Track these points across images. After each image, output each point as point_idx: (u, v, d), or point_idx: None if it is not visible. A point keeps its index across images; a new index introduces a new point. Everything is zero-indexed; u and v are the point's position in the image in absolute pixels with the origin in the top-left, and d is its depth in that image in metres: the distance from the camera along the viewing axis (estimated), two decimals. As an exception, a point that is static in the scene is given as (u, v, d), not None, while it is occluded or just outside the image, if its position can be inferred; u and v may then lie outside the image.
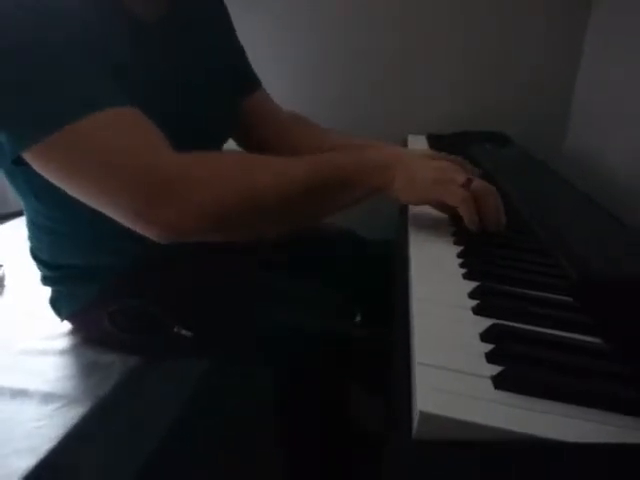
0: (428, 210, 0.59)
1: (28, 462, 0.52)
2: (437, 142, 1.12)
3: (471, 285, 0.42)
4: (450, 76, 1.26)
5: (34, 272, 0.72)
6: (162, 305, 0.64)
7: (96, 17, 0.54)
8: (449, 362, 0.31)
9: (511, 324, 0.37)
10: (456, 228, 0.56)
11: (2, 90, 0.48)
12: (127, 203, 0.49)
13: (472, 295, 0.41)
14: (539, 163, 0.96)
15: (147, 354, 0.69)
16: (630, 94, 0.95)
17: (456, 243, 0.52)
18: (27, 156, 0.49)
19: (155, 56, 0.61)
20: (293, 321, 0.63)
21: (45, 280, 0.70)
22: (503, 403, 0.28)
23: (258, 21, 1.24)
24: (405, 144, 1.10)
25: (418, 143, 1.11)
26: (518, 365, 0.32)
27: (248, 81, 0.81)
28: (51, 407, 0.59)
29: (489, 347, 0.33)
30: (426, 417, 0.27)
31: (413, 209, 0.61)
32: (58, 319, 0.72)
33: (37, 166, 0.50)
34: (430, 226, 0.57)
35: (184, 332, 0.63)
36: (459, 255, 0.49)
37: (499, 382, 0.30)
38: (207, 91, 0.67)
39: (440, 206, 0.57)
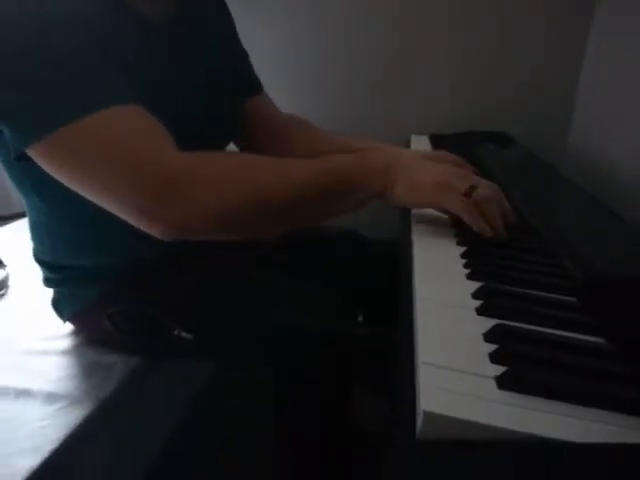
0: (431, 210, 0.59)
1: (32, 462, 0.52)
2: (440, 142, 1.12)
3: (474, 285, 0.42)
4: (453, 76, 1.26)
5: (37, 273, 0.72)
6: (162, 307, 0.65)
7: (103, 16, 0.54)
8: (453, 362, 0.31)
9: (514, 324, 0.37)
10: (458, 229, 0.56)
11: (8, 88, 0.48)
12: (132, 200, 0.49)
13: (475, 295, 0.41)
14: (542, 163, 0.96)
15: (148, 356, 0.69)
16: (633, 93, 0.94)
17: (459, 243, 0.52)
18: (32, 153, 0.49)
19: (161, 56, 0.61)
20: (293, 321, 0.63)
21: (47, 281, 0.70)
22: (506, 403, 0.28)
23: (258, 21, 1.24)
24: (408, 144, 1.10)
25: (421, 143, 1.11)
26: (521, 365, 0.32)
27: (250, 84, 0.81)
28: (54, 407, 0.60)
29: (492, 347, 0.33)
30: (430, 417, 0.27)
31: (416, 209, 0.61)
32: (61, 320, 0.72)
33: (42, 163, 0.50)
34: (433, 226, 0.57)
35: (184, 334, 0.63)
36: (462, 255, 0.49)
37: (502, 382, 0.30)
38: (209, 92, 0.67)
39: (443, 210, 0.57)
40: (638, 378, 0.31)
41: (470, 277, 0.44)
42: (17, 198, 0.66)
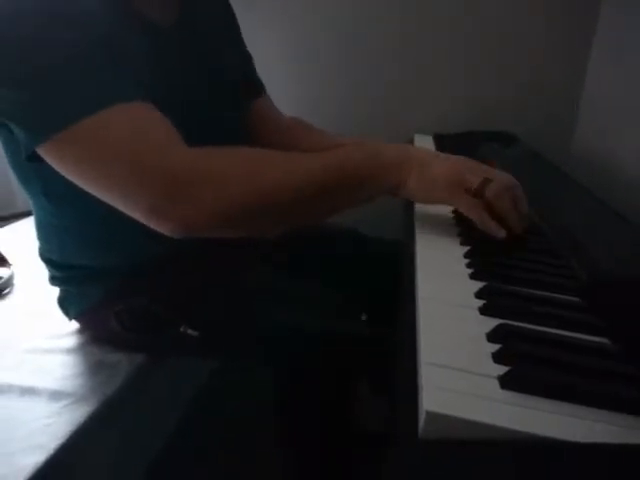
0: (434, 209, 0.59)
1: (36, 459, 0.53)
2: (443, 142, 1.11)
3: (477, 285, 0.42)
4: (455, 76, 1.26)
5: (42, 272, 0.72)
6: (168, 305, 0.65)
7: (109, 19, 0.55)
8: (455, 362, 0.31)
9: (517, 324, 0.37)
10: (461, 228, 0.56)
11: (17, 88, 0.49)
12: (141, 199, 0.49)
13: (479, 295, 0.41)
14: (546, 162, 0.96)
15: (153, 353, 0.70)
16: (639, 92, 0.94)
17: (463, 243, 0.52)
18: (42, 152, 0.50)
19: (167, 60, 0.61)
20: (294, 321, 0.63)
21: (53, 280, 0.71)
22: (509, 403, 0.28)
23: (259, 21, 1.24)
24: (412, 143, 1.10)
25: (424, 143, 1.11)
26: (524, 365, 0.32)
27: (253, 86, 0.81)
28: (59, 405, 0.60)
29: (495, 347, 0.33)
30: (432, 416, 0.27)
31: (419, 208, 0.61)
32: (65, 318, 0.73)
33: (52, 162, 0.51)
34: (436, 226, 0.57)
35: (190, 332, 0.64)
36: (466, 255, 0.49)
37: (505, 382, 0.30)
38: (215, 95, 0.68)
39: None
40: (642, 378, 0.31)
41: (473, 277, 0.44)
42: (22, 197, 0.67)
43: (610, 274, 0.44)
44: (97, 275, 0.66)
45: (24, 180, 0.62)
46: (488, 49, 1.23)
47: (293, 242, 0.74)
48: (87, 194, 0.52)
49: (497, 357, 0.32)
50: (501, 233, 0.51)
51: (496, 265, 0.47)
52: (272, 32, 1.28)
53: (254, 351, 0.66)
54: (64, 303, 0.71)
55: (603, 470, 0.25)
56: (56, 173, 0.52)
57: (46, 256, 0.69)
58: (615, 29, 1.09)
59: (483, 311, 0.38)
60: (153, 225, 0.51)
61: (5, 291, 0.86)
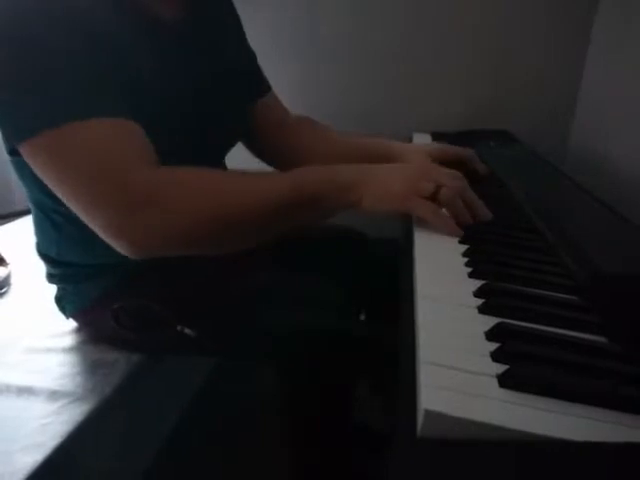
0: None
1: (35, 458, 0.53)
2: (442, 140, 1.11)
3: (476, 284, 0.42)
4: (454, 74, 1.26)
5: (40, 270, 0.72)
6: (165, 303, 0.65)
7: (114, 17, 0.55)
8: (454, 360, 0.31)
9: (516, 323, 0.37)
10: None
11: (3, 87, 0.50)
12: (98, 216, 0.51)
13: (477, 294, 0.41)
14: (544, 161, 0.96)
15: (151, 352, 0.70)
16: (636, 92, 0.94)
17: (461, 242, 0.52)
18: (20, 149, 0.51)
19: (171, 55, 0.62)
20: (293, 320, 0.63)
21: (51, 277, 0.70)
22: (508, 402, 0.28)
23: (259, 17, 1.24)
24: (410, 142, 1.10)
25: (423, 141, 1.11)
26: (523, 364, 0.32)
27: (259, 85, 0.82)
28: (57, 404, 0.60)
29: (494, 346, 0.33)
30: (431, 415, 0.27)
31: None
32: (63, 317, 0.72)
33: (28, 162, 0.52)
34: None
35: (187, 331, 0.64)
36: (464, 254, 0.49)
37: (504, 381, 0.30)
38: (217, 93, 0.68)
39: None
40: (640, 377, 0.31)
41: (472, 275, 0.44)
42: (20, 196, 0.67)
43: (609, 273, 0.44)
44: (94, 273, 0.66)
45: (22, 175, 0.62)
46: (486, 49, 1.23)
47: (293, 242, 0.74)
48: None
49: (496, 356, 0.32)
50: (458, 233, 0.53)
51: (495, 264, 0.47)
52: (272, 30, 1.28)
53: (252, 350, 0.66)
54: (61, 301, 0.71)
55: (602, 469, 0.25)
56: None
57: (43, 252, 0.69)
58: (612, 28, 1.10)
59: (482, 310, 0.38)
60: (110, 242, 0.52)
61: (2, 290, 0.85)
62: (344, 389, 0.67)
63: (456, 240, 0.53)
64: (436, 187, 0.52)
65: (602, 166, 1.03)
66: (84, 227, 0.64)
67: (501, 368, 0.31)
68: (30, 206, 0.67)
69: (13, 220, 1.13)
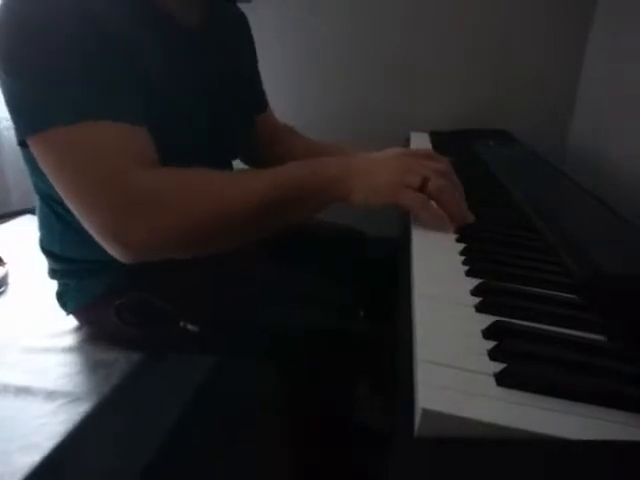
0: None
1: (33, 459, 0.53)
2: (439, 140, 1.11)
3: (473, 282, 0.42)
4: (453, 74, 1.26)
5: (38, 270, 0.72)
6: (168, 299, 0.65)
7: (127, 17, 0.56)
8: (451, 359, 0.31)
9: (513, 321, 0.37)
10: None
11: (18, 78, 0.51)
12: (95, 216, 0.51)
13: (474, 292, 0.41)
14: (543, 160, 0.96)
15: (152, 349, 0.70)
16: (633, 91, 0.94)
17: (459, 240, 0.52)
18: (29, 143, 0.52)
19: (181, 57, 0.63)
20: (294, 318, 0.63)
21: (53, 273, 0.70)
22: (505, 400, 0.28)
23: (257, 21, 1.24)
24: (407, 142, 1.10)
25: (420, 140, 1.11)
26: (521, 362, 0.31)
27: (260, 102, 0.86)
28: (55, 404, 0.60)
29: (491, 344, 0.33)
30: (428, 414, 0.27)
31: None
32: (61, 317, 0.72)
33: (35, 154, 0.53)
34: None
35: (190, 327, 0.64)
36: (462, 252, 0.49)
37: (502, 379, 0.30)
38: (228, 95, 0.69)
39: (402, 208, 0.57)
40: (638, 375, 0.31)
41: (469, 274, 0.44)
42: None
43: (607, 271, 0.45)
44: (97, 269, 0.66)
45: (32, 167, 0.62)
46: (485, 48, 1.23)
47: (292, 240, 0.75)
48: None
49: (493, 354, 0.32)
50: (449, 227, 0.53)
51: (492, 262, 0.47)
52: (270, 30, 1.28)
53: (252, 349, 0.66)
54: (62, 297, 0.71)
55: (600, 468, 0.25)
56: None
57: (47, 248, 0.69)
58: (610, 28, 1.10)
59: (479, 308, 0.38)
60: (105, 246, 0.52)
61: (0, 290, 0.85)
62: (344, 388, 0.67)
63: (453, 238, 0.53)
64: (423, 180, 0.52)
65: (601, 165, 1.03)
66: None
67: (498, 366, 0.31)
68: (36, 200, 0.67)
69: (10, 220, 1.13)
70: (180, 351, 0.73)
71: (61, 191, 0.53)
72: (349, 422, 0.68)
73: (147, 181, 0.52)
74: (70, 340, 0.71)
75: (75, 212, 0.53)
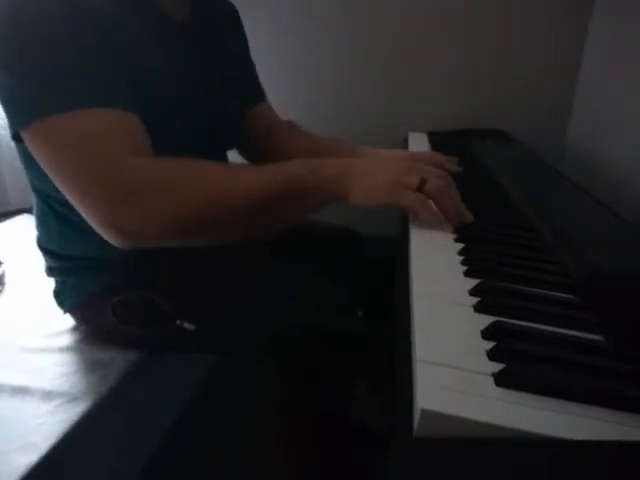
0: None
1: (30, 459, 0.52)
2: (438, 140, 1.11)
3: (472, 282, 0.42)
4: (451, 74, 1.26)
5: (34, 270, 0.72)
6: (165, 298, 0.65)
7: (124, 12, 0.56)
8: (450, 359, 0.31)
9: (512, 321, 0.36)
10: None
11: (9, 72, 0.50)
12: (92, 203, 0.51)
13: (473, 292, 0.41)
14: (541, 161, 0.96)
15: (149, 347, 0.69)
16: (632, 92, 0.94)
17: (457, 240, 0.52)
18: (23, 136, 0.52)
19: (181, 57, 0.63)
20: (292, 317, 0.63)
21: (51, 271, 0.70)
22: (504, 400, 0.28)
23: (257, 21, 1.24)
24: (406, 142, 1.10)
25: (418, 141, 1.11)
26: (519, 362, 0.31)
27: (255, 92, 0.85)
28: (52, 404, 0.59)
29: (490, 344, 0.33)
30: (427, 415, 0.27)
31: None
32: (58, 317, 0.72)
33: (29, 147, 0.53)
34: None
35: (187, 325, 0.64)
36: (460, 252, 0.49)
37: (500, 379, 0.30)
38: (225, 93, 0.69)
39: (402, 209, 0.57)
40: (637, 376, 0.31)
41: (468, 274, 0.44)
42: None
43: (605, 272, 0.45)
44: (95, 266, 0.66)
45: (28, 163, 0.62)
46: (485, 49, 1.23)
47: (291, 240, 0.75)
48: None
49: (492, 354, 0.32)
50: (447, 226, 0.53)
51: (490, 262, 0.47)
52: (269, 30, 1.28)
53: (252, 347, 0.66)
54: (60, 295, 0.71)
55: (599, 468, 0.25)
56: None
57: (44, 246, 0.69)
58: (609, 29, 1.10)
59: (477, 308, 0.38)
60: (102, 233, 0.52)
61: (-3, 290, 0.85)
62: (342, 388, 0.67)
63: (452, 238, 0.52)
64: (421, 181, 0.53)
65: (599, 166, 1.03)
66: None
67: (497, 367, 0.31)
68: (33, 198, 0.67)
69: (7, 219, 1.12)
70: (177, 350, 0.73)
71: (57, 181, 0.53)
72: (347, 422, 0.68)
73: (144, 169, 0.52)
74: (67, 340, 0.71)
75: (71, 200, 0.53)
